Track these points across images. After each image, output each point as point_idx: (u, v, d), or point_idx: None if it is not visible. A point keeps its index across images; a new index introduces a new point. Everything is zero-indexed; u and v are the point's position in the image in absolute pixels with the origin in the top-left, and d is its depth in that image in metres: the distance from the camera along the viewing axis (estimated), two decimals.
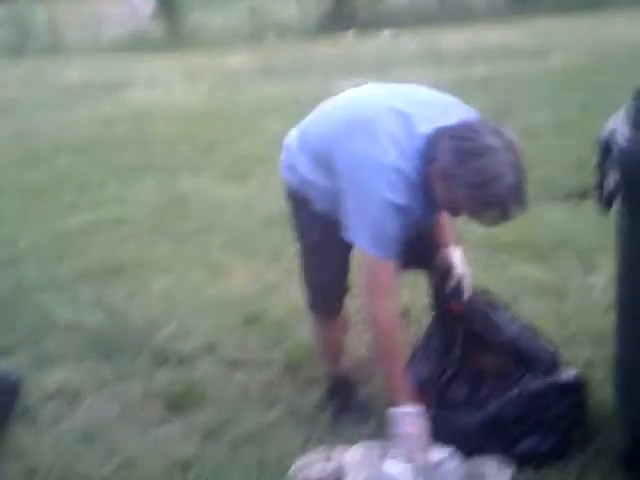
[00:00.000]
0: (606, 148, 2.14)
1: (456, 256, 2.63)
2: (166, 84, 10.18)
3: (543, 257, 3.81)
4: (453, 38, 11.64)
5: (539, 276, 3.59)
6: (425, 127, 2.21)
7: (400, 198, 2.20)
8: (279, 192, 2.72)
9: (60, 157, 6.65)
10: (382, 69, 9.30)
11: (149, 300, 3.74)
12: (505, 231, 4.02)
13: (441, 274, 2.62)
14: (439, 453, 2.34)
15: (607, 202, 2.22)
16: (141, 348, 3.27)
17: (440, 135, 2.15)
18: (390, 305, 2.36)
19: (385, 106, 2.32)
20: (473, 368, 2.55)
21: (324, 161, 2.39)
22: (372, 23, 13.87)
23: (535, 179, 4.80)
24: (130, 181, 5.84)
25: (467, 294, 2.59)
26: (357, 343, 3.12)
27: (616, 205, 2.19)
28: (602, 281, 3.37)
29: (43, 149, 7.04)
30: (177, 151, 6.64)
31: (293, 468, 2.42)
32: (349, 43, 12.46)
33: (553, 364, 2.51)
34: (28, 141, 7.46)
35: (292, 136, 2.59)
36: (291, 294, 3.54)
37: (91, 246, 4.52)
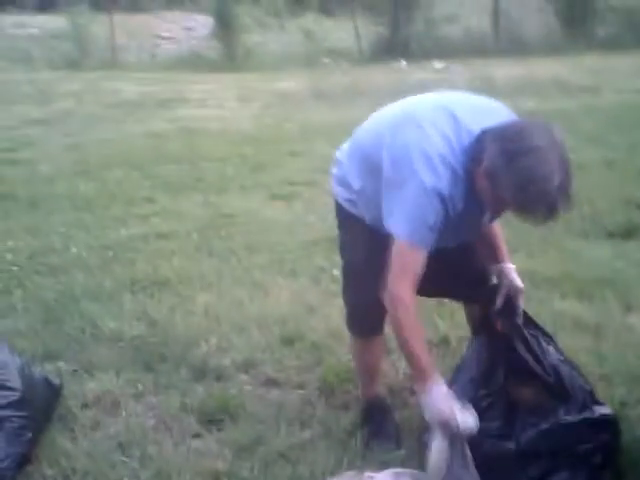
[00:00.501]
0: None
1: (512, 271, 2.63)
2: (219, 104, 10.34)
3: (583, 294, 3.80)
4: (505, 70, 11.64)
5: (578, 312, 3.58)
6: (473, 126, 2.24)
7: (442, 185, 2.22)
8: (323, 215, 2.78)
9: (111, 170, 6.80)
10: None
11: (191, 315, 3.80)
12: (546, 266, 4.07)
13: (493, 290, 2.62)
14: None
15: None
16: (181, 361, 3.33)
17: (487, 136, 2.19)
18: (412, 290, 2.34)
19: (432, 105, 2.38)
20: (509, 397, 2.54)
21: (372, 162, 2.42)
22: (425, 53, 13.95)
23: (580, 216, 4.93)
24: (178, 197, 5.95)
25: (520, 311, 2.58)
26: (392, 369, 3.17)
27: None
28: None
29: (95, 161, 7.20)
30: (226, 170, 6.75)
31: None
32: (401, 72, 12.51)
33: (589, 400, 2.51)
34: (82, 153, 7.63)
35: (343, 149, 2.65)
36: (330, 316, 3.59)
37: (137, 259, 4.60)
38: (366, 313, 2.70)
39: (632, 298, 3.64)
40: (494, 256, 2.66)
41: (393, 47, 14.50)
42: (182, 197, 5.95)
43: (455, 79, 11.22)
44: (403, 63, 13.41)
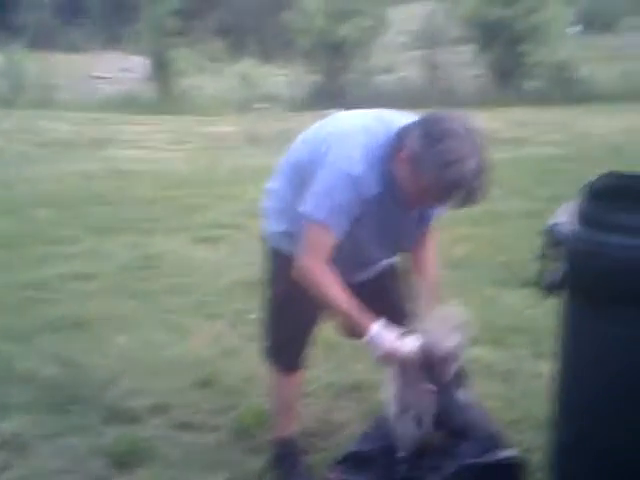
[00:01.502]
0: (552, 237, 2.23)
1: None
2: (152, 145, 10.34)
3: (496, 340, 3.87)
4: None
5: (490, 359, 3.65)
6: (397, 124, 2.35)
7: (354, 166, 2.29)
8: (247, 258, 2.80)
9: (38, 209, 6.74)
10: None
11: (106, 356, 3.77)
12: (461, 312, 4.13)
13: None
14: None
15: (549, 289, 2.31)
16: (93, 403, 3.30)
17: (409, 125, 2.28)
18: (322, 267, 2.38)
19: (364, 114, 2.49)
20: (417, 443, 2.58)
21: (303, 170, 2.46)
22: (360, 102, 14.09)
23: (498, 264, 5.02)
24: (104, 238, 5.91)
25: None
26: (306, 412, 3.18)
27: (560, 294, 2.27)
28: (550, 368, 3.43)
29: (23, 200, 7.12)
30: (154, 212, 6.74)
31: None
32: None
33: (494, 444, 2.55)
34: (8, 191, 7.54)
35: (272, 180, 2.68)
36: (248, 359, 3.59)
37: (57, 299, 4.56)
38: (290, 346, 2.76)
39: (542, 346, 3.71)
40: (428, 296, 2.67)
41: (328, 95, 14.68)
42: (108, 238, 5.92)
43: None
44: (334, 111, 13.54)
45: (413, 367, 2.39)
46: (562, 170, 7.98)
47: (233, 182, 7.78)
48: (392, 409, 2.45)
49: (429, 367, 2.44)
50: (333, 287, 2.41)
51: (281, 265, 2.62)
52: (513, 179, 7.81)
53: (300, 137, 2.64)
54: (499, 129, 11.23)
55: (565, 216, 2.23)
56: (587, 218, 2.10)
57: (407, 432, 2.45)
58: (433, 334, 2.44)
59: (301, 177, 2.47)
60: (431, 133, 2.21)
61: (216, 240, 5.81)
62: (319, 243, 2.38)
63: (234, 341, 3.91)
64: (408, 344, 2.37)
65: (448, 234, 5.62)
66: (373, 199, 2.35)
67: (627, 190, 2.25)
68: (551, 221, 2.27)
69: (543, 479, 2.59)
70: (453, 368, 2.48)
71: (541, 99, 14.26)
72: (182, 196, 7.33)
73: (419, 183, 2.25)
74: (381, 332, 2.38)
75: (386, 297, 2.70)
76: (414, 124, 2.28)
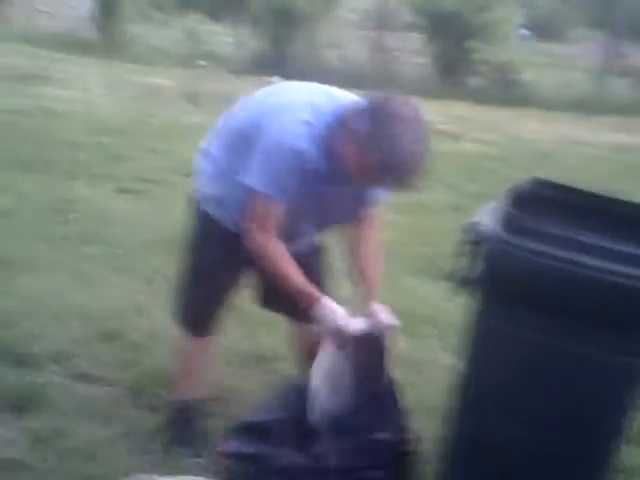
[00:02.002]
0: (472, 235, 2.24)
1: (380, 312, 2.65)
2: (85, 88, 10.06)
3: (408, 330, 3.88)
4: None
5: (401, 347, 3.66)
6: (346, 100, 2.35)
7: (299, 142, 2.29)
8: (168, 216, 2.74)
9: None
10: None
11: (8, 296, 3.67)
12: (380, 300, 4.14)
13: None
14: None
15: (463, 284, 2.32)
16: None
17: (357, 104, 2.28)
18: (270, 238, 2.39)
19: (307, 86, 2.50)
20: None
21: (243, 138, 2.43)
22: (300, 74, 14.01)
23: (420, 255, 5.04)
24: (23, 177, 5.73)
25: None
26: (209, 380, 3.14)
27: (473, 290, 2.29)
28: (454, 361, 3.47)
29: None
30: (79, 156, 6.56)
31: None
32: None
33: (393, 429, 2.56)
34: None
35: (208, 141, 2.63)
36: (157, 318, 3.54)
37: None
38: (205, 312, 2.72)
39: (451, 338, 3.75)
40: (364, 293, 2.71)
41: (272, 62, 14.54)
42: (27, 177, 5.73)
43: None
44: (276, 79, 13.47)
45: (350, 345, 2.42)
46: (491, 169, 8.08)
47: (165, 137, 7.62)
48: (316, 381, 2.43)
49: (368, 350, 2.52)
50: (286, 263, 2.43)
51: (207, 229, 2.58)
52: (443, 172, 7.84)
53: (241, 103, 2.60)
54: (436, 121, 11.27)
55: (486, 215, 2.24)
56: (507, 221, 2.11)
57: (325, 406, 2.45)
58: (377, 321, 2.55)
59: (240, 145, 2.44)
60: (379, 113, 2.22)
61: (139, 193, 5.69)
62: (268, 216, 2.37)
63: (144, 297, 3.84)
64: (355, 324, 2.43)
65: None
66: (314, 173, 2.34)
67: (549, 198, 2.29)
68: (473, 219, 2.28)
69: (436, 469, 2.62)
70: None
71: (481, 97, 14.36)
72: (110, 144, 7.14)
73: (362, 162, 2.25)
74: (333, 307, 2.42)
75: (308, 274, 2.68)
76: (363, 103, 2.28)
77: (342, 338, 2.41)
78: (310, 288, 2.44)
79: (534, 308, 2.07)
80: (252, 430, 2.57)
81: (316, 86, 2.49)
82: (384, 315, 2.66)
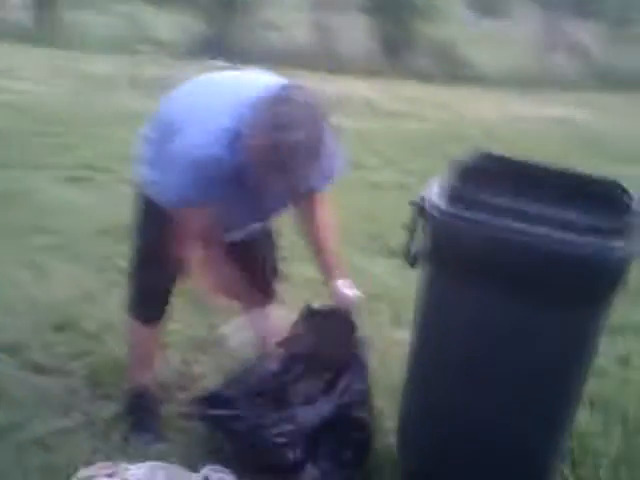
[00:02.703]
0: (419, 210, 2.27)
1: (342, 287, 2.76)
2: (26, 77, 9.89)
3: (360, 307, 3.93)
4: (318, 84, 11.82)
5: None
6: (251, 95, 2.29)
7: (211, 150, 2.25)
8: (116, 203, 2.73)
9: None
10: None
11: None
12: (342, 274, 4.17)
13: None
14: None
15: (413, 260, 2.36)
16: None
17: (260, 101, 2.23)
18: (216, 250, 2.43)
19: (226, 81, 2.50)
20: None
21: (164, 128, 2.44)
22: (243, 57, 13.96)
23: (369, 234, 5.08)
24: None
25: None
26: (164, 363, 3.15)
27: (421, 266, 2.33)
28: (408, 336, 3.51)
29: None
30: (22, 147, 6.46)
31: (75, 478, 2.40)
32: (216, 71, 12.43)
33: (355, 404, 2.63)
34: None
35: (147, 126, 2.62)
36: (109, 306, 3.53)
37: None
38: (155, 298, 2.72)
39: (403, 314, 3.80)
40: (322, 270, 2.77)
41: (213, 46, 14.41)
42: None
43: None
44: (220, 63, 13.38)
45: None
46: (436, 147, 8.13)
47: (108, 123, 7.53)
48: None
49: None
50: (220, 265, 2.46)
51: (150, 212, 2.57)
52: (389, 151, 7.93)
53: (173, 92, 2.59)
54: (381, 100, 11.34)
55: (431, 190, 2.27)
56: (450, 194, 2.15)
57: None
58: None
59: (162, 135, 2.45)
60: (269, 99, 2.20)
61: (85, 181, 5.63)
62: (193, 224, 2.37)
63: (96, 286, 3.82)
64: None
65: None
66: (235, 175, 2.31)
67: (491, 170, 2.33)
68: (420, 194, 2.31)
69: (393, 444, 2.67)
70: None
71: (426, 76, 14.42)
72: (53, 133, 7.05)
73: (259, 161, 2.21)
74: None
75: (256, 259, 2.70)
76: (262, 102, 2.23)
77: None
78: (249, 293, 2.52)
79: (480, 278, 2.11)
80: (217, 399, 2.66)
81: (244, 78, 2.47)
82: (348, 290, 2.76)
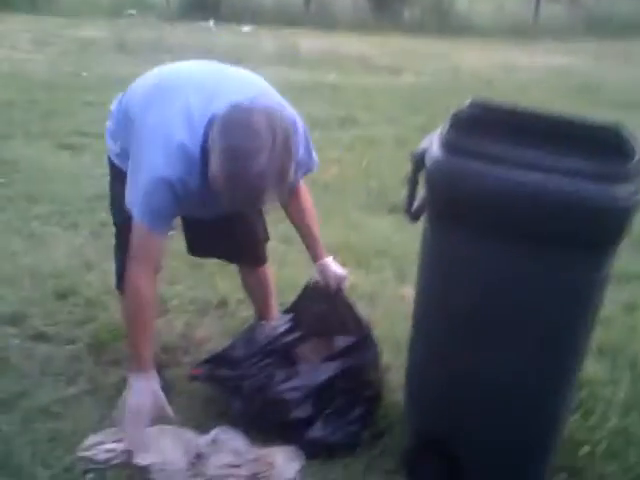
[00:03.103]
0: (418, 163, 2.23)
1: (332, 264, 2.79)
2: (13, 46, 9.79)
3: (361, 263, 3.91)
4: (311, 42, 11.77)
5: (355, 281, 3.66)
6: (221, 105, 2.18)
7: (173, 173, 2.19)
8: None
9: None
10: (236, 62, 9.27)
11: None
12: (328, 235, 4.13)
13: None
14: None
15: (415, 215, 2.33)
16: None
17: (222, 112, 2.14)
18: (148, 275, 2.32)
19: (193, 80, 2.36)
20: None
21: (130, 122, 2.38)
22: (235, 17, 13.83)
23: (367, 189, 5.05)
24: None
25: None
26: (168, 327, 3.14)
27: (423, 219, 2.30)
28: (412, 292, 3.49)
29: None
30: (12, 115, 6.41)
31: (83, 445, 2.41)
32: (208, 32, 12.36)
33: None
34: None
35: (115, 101, 2.59)
36: (107, 272, 3.45)
37: None
38: None
39: (406, 270, 3.78)
40: (311, 251, 2.78)
41: (203, 6, 14.26)
42: None
43: (262, 45, 11.22)
44: (211, 23, 13.24)
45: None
46: (433, 100, 8.06)
47: (99, 89, 7.43)
48: None
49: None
50: (142, 313, 2.34)
51: (122, 186, 2.47)
52: (386, 106, 7.87)
53: (140, 80, 2.52)
54: (374, 55, 11.25)
55: (429, 143, 2.23)
56: (448, 144, 2.10)
57: None
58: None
59: (125, 127, 2.41)
60: (224, 125, 2.09)
61: (79, 148, 5.57)
62: (147, 246, 2.30)
63: (96, 253, 3.79)
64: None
65: (318, 158, 5.61)
66: (198, 188, 2.24)
67: (489, 119, 2.29)
68: (418, 147, 2.27)
69: (400, 400, 2.66)
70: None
71: (418, 29, 14.31)
72: (44, 100, 6.99)
73: (213, 174, 2.12)
74: (143, 389, 2.34)
75: (242, 221, 2.70)
76: (224, 111, 2.12)
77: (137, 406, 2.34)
78: (145, 355, 2.36)
79: (481, 229, 2.07)
80: (223, 360, 2.67)
81: (197, 85, 2.32)
82: (334, 267, 2.78)
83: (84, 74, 8.37)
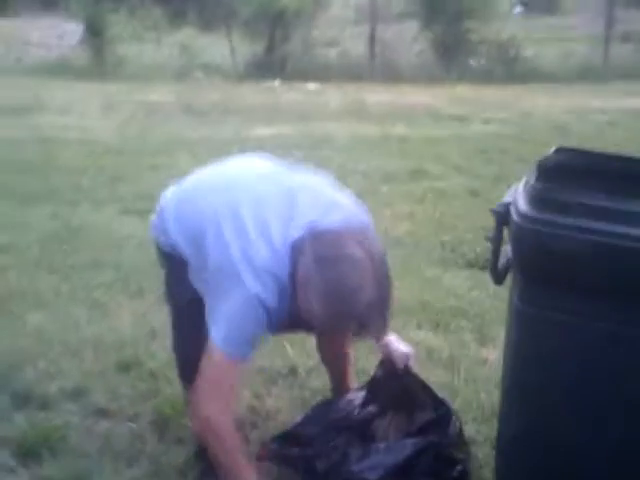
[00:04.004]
0: (502, 219, 2.03)
1: (395, 342, 2.56)
2: (82, 113, 9.94)
3: (439, 325, 3.70)
4: (377, 96, 11.70)
5: (432, 344, 3.46)
6: (299, 228, 2.05)
7: (268, 296, 2.05)
8: None
9: None
10: (303, 120, 9.28)
11: (20, 336, 3.48)
12: (403, 294, 3.95)
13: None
14: None
15: (500, 275, 2.12)
16: (2, 387, 3.01)
17: (307, 239, 2.01)
18: (227, 411, 2.19)
19: (266, 192, 2.21)
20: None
21: (194, 237, 2.25)
22: (300, 75, 13.90)
23: (441, 244, 4.85)
24: (24, 208, 5.56)
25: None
26: (236, 401, 2.96)
27: (505, 276, 2.09)
28: (495, 355, 3.25)
29: None
30: (80, 182, 6.39)
31: None
32: (273, 92, 12.41)
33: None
34: None
35: (167, 199, 2.45)
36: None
37: None
38: (192, 362, 2.37)
39: (486, 330, 3.56)
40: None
41: (268, 66, 14.39)
42: (28, 208, 5.56)
43: (329, 102, 11.20)
44: (277, 83, 13.31)
45: None
46: (506, 149, 7.88)
47: (165, 152, 7.45)
48: None
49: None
50: (231, 452, 2.22)
51: (178, 275, 2.38)
52: (456, 157, 7.69)
53: (197, 183, 2.42)
54: (441, 106, 11.10)
55: (514, 195, 2.02)
56: (537, 197, 1.89)
57: None
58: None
59: (190, 240, 2.28)
60: (322, 256, 1.95)
61: (144, 213, 5.41)
62: (227, 377, 2.16)
63: (159, 321, 3.62)
64: None
65: (389, 212, 5.46)
66: (284, 319, 2.13)
67: (580, 167, 2.07)
68: (501, 201, 2.07)
69: (488, 475, 2.43)
70: None
71: (484, 77, 14.17)
72: (111, 165, 6.99)
73: (308, 307, 1.99)
74: None
75: None
76: (311, 237, 2.00)
77: None
78: (249, 475, 2.21)
79: (576, 291, 1.85)
80: (293, 438, 2.51)
81: (280, 191, 2.19)
82: (397, 345, 2.56)
83: (150, 138, 8.41)
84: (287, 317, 2.13)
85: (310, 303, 1.97)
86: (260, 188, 2.24)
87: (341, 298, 1.91)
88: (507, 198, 2.05)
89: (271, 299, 2.06)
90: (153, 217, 2.51)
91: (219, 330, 2.11)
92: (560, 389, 1.97)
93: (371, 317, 1.95)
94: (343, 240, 1.97)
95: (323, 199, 2.20)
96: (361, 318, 1.94)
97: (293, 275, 2.03)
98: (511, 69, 14.63)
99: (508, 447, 2.20)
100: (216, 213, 2.20)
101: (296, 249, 2.03)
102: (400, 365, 2.54)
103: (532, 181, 1.95)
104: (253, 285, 2.04)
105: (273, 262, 2.06)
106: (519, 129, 9.07)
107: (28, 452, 2.64)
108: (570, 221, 1.81)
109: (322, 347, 2.80)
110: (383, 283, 1.96)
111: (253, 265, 2.05)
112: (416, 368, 2.62)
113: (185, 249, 2.32)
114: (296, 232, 2.06)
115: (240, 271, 2.06)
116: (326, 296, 1.92)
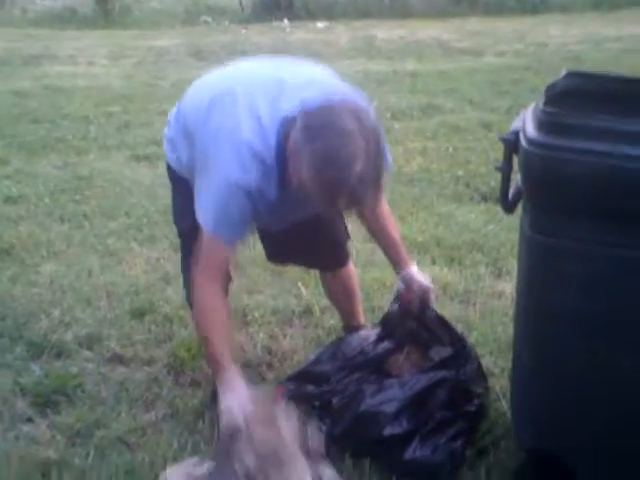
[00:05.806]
0: (511, 147, 1.97)
1: (417, 274, 2.54)
2: (89, 61, 9.86)
3: (453, 259, 3.66)
4: (387, 33, 11.53)
5: (447, 279, 3.43)
6: (290, 105, 2.02)
7: (250, 179, 2.04)
8: None
9: None
10: (313, 59, 9.14)
11: (34, 285, 3.48)
12: (417, 230, 3.92)
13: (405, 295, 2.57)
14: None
15: (511, 205, 2.07)
16: (17, 337, 3.03)
17: (299, 112, 1.96)
18: (217, 288, 2.19)
19: (254, 79, 2.19)
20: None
21: (188, 131, 2.25)
22: (308, 14, 13.73)
23: (453, 179, 4.80)
24: (34, 158, 5.54)
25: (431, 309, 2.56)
26: (250, 342, 2.96)
27: (520, 209, 2.03)
28: (511, 288, 3.22)
29: None
30: (89, 130, 6.35)
31: (162, 478, 2.21)
32: (282, 32, 12.24)
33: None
34: None
35: (173, 110, 2.44)
36: None
37: None
38: None
39: (502, 263, 3.52)
40: (393, 260, 2.57)
41: (276, 6, 14.20)
42: (38, 158, 5.54)
43: (337, 40, 11.04)
44: (285, 23, 13.13)
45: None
46: (519, 80, 7.75)
47: (175, 97, 7.25)
48: None
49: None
50: (213, 320, 2.21)
51: (182, 196, 2.39)
52: (469, 90, 7.58)
53: (197, 83, 2.38)
54: (453, 40, 10.94)
55: (522, 121, 1.95)
56: (545, 122, 1.82)
57: None
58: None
59: (186, 136, 2.27)
60: (312, 126, 1.91)
61: (154, 158, 5.42)
62: (214, 257, 2.17)
63: (171, 267, 3.61)
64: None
65: (402, 149, 5.39)
66: (273, 201, 2.10)
67: (587, 89, 2.00)
68: (510, 129, 2.00)
69: (504, 408, 2.42)
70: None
71: (496, 10, 13.94)
72: (120, 113, 6.94)
73: (301, 181, 1.94)
74: (235, 386, 2.16)
75: (322, 224, 2.48)
76: (302, 110, 1.95)
77: (231, 427, 2.11)
78: (224, 357, 2.19)
79: (588, 218, 1.79)
80: (308, 377, 2.48)
81: (263, 84, 2.16)
82: (419, 278, 2.54)
83: (159, 84, 8.33)
84: (277, 203, 2.12)
85: (300, 172, 1.93)
86: (253, 77, 2.23)
87: (331, 166, 1.87)
88: (516, 124, 1.98)
89: (254, 181, 2.05)
90: (165, 130, 2.48)
91: (206, 215, 2.13)
92: (570, 316, 1.92)
93: (363, 189, 1.90)
94: (336, 113, 1.92)
95: (316, 82, 2.18)
96: (353, 189, 1.89)
97: (284, 147, 2.01)
98: (523, 1, 14.36)
99: (522, 377, 2.17)
100: (211, 97, 2.19)
101: (287, 122, 2.00)
102: (417, 297, 2.52)
103: (541, 106, 1.89)
104: (235, 171, 2.04)
105: (259, 142, 2.04)
106: (533, 60, 8.91)
107: (45, 401, 2.65)
108: (579, 144, 1.74)
109: (327, 283, 2.80)
110: (375, 158, 1.90)
111: (237, 147, 2.05)
112: (433, 304, 2.59)
113: (183, 152, 2.31)
114: (288, 106, 2.03)
115: (223, 155, 2.07)
116: (315, 162, 1.88)
